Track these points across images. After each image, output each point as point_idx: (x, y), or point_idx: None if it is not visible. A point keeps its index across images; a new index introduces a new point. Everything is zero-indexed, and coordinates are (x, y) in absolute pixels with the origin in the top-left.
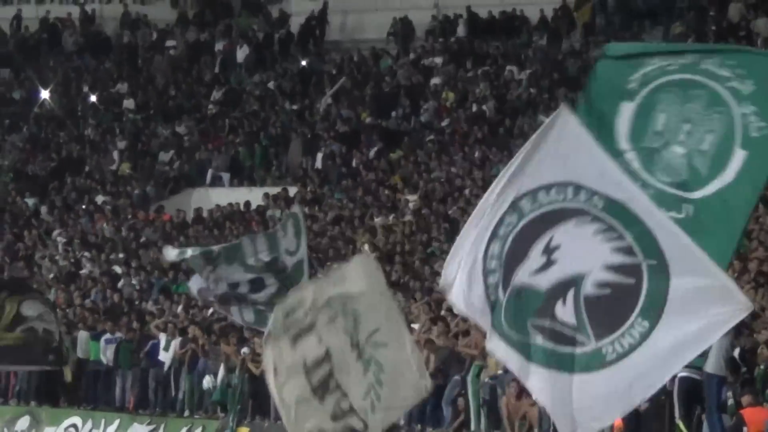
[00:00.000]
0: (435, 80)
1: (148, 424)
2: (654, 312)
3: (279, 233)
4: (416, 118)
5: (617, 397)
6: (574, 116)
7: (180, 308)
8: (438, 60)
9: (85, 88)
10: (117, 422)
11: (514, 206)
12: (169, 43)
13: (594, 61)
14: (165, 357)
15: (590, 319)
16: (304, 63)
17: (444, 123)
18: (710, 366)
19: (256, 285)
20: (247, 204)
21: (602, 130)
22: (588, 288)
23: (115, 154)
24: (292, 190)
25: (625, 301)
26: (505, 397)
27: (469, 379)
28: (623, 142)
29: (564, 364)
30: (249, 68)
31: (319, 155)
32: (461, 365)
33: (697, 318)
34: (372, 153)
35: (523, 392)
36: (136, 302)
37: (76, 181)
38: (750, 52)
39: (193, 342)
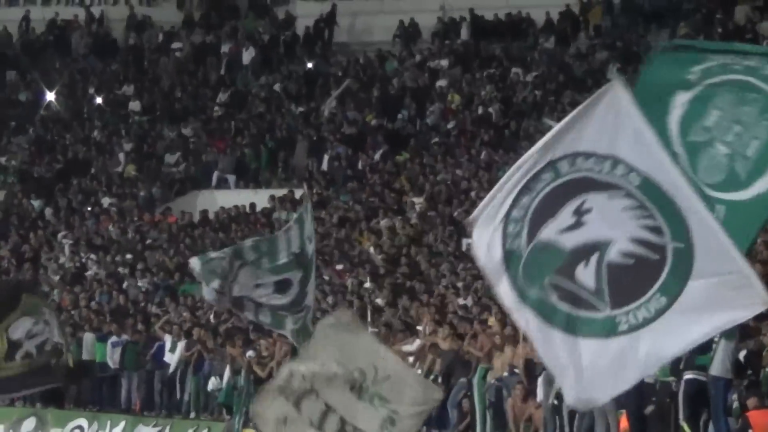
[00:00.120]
0: (441, 82)
1: (154, 425)
2: (674, 291)
3: (304, 214)
4: (422, 121)
5: (618, 369)
6: (628, 92)
7: (185, 310)
8: (444, 62)
9: (91, 90)
10: (123, 424)
11: (551, 165)
12: (175, 45)
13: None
14: (171, 359)
15: (610, 286)
16: (310, 65)
17: (450, 125)
18: (716, 369)
19: (282, 285)
20: (253, 206)
21: (653, 113)
22: (612, 255)
23: (121, 156)
24: (298, 193)
25: (647, 275)
26: (510, 399)
27: (474, 381)
28: (672, 129)
29: (574, 326)
30: (255, 70)
31: (325, 157)
32: (467, 368)
33: (714, 304)
34: (378, 155)
35: (528, 394)
36: (142, 304)
37: (82, 183)
38: None
39: (199, 343)
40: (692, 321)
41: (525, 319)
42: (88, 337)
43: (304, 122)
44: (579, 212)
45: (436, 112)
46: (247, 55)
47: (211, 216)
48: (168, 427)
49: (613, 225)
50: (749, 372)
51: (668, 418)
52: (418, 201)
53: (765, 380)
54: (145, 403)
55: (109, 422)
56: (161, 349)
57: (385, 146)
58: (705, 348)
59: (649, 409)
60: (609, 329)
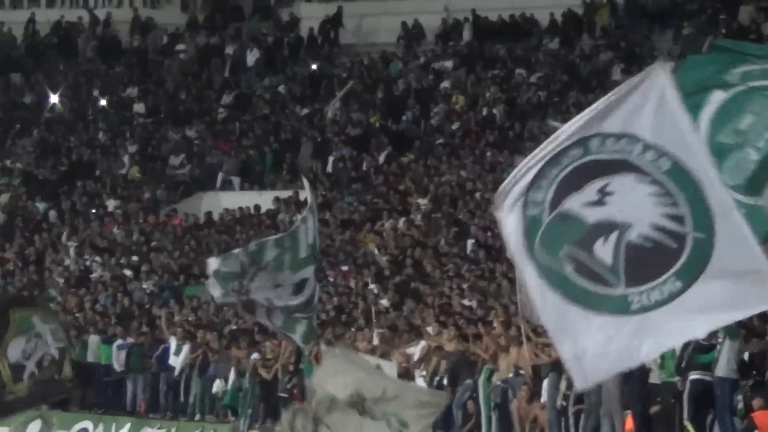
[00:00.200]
0: (445, 84)
1: (159, 428)
2: (689, 277)
3: (313, 206)
4: (426, 122)
5: (625, 348)
6: (672, 78)
7: (190, 312)
8: (448, 64)
9: (96, 92)
10: (128, 426)
11: (581, 141)
12: (180, 47)
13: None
14: (176, 361)
15: (626, 264)
16: (314, 67)
17: (454, 126)
18: (722, 369)
19: (300, 285)
20: (258, 208)
21: (687, 105)
22: (632, 236)
23: (126, 159)
24: (303, 194)
25: (665, 258)
26: (516, 400)
27: (480, 382)
28: (702, 126)
29: (585, 299)
30: (259, 72)
31: (330, 159)
32: (472, 369)
33: (728, 294)
34: (382, 157)
35: (534, 396)
36: (147, 306)
37: (86, 186)
38: None
39: (203, 345)
40: (703, 310)
41: (542, 295)
42: (94, 339)
43: (308, 124)
44: (603, 192)
45: (440, 113)
46: (252, 57)
47: (215, 218)
48: (173, 429)
49: (635, 209)
50: (754, 372)
51: (673, 418)
52: (423, 202)
53: None
54: (150, 405)
55: (114, 424)
56: (166, 352)
57: (390, 148)
58: (707, 347)
59: (654, 409)
60: (622, 307)
